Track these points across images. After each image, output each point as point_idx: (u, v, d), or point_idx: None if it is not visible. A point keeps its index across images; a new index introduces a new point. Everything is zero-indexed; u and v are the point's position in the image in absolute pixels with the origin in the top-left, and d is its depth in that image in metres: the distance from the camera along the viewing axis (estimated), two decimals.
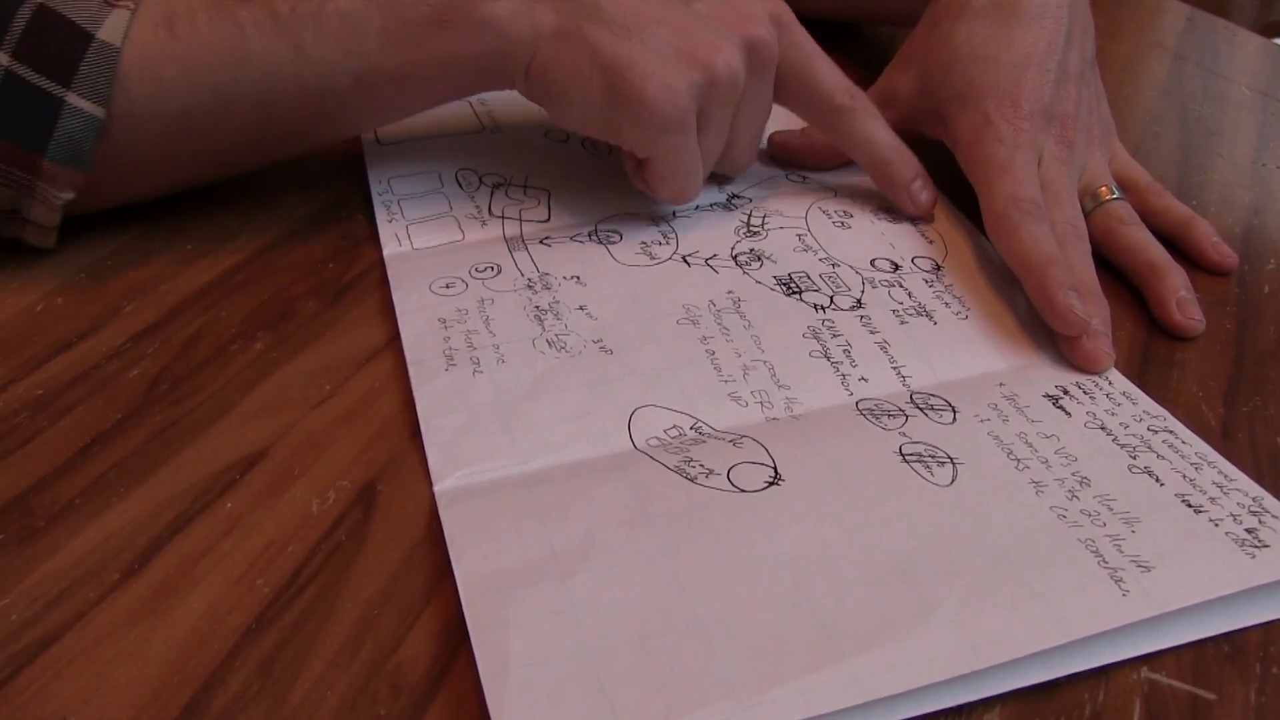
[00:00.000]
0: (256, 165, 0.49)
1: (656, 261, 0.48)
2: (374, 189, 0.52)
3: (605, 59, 0.43)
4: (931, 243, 0.51)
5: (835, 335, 0.44)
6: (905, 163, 0.51)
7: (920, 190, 0.51)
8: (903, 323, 0.45)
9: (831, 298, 0.46)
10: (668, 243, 0.49)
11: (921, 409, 0.41)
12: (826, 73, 0.49)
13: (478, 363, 0.41)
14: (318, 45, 0.43)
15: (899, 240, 0.50)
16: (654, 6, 0.45)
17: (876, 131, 0.50)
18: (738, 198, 0.53)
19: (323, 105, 0.44)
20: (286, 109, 0.44)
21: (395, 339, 0.43)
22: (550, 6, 0.44)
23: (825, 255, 0.49)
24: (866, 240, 0.50)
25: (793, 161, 0.56)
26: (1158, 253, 0.48)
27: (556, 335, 0.43)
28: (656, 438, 0.39)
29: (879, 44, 0.72)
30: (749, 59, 0.46)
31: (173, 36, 0.42)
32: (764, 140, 0.55)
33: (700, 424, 0.40)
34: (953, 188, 0.53)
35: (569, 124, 0.46)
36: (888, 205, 0.53)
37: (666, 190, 0.48)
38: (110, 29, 0.41)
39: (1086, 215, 0.49)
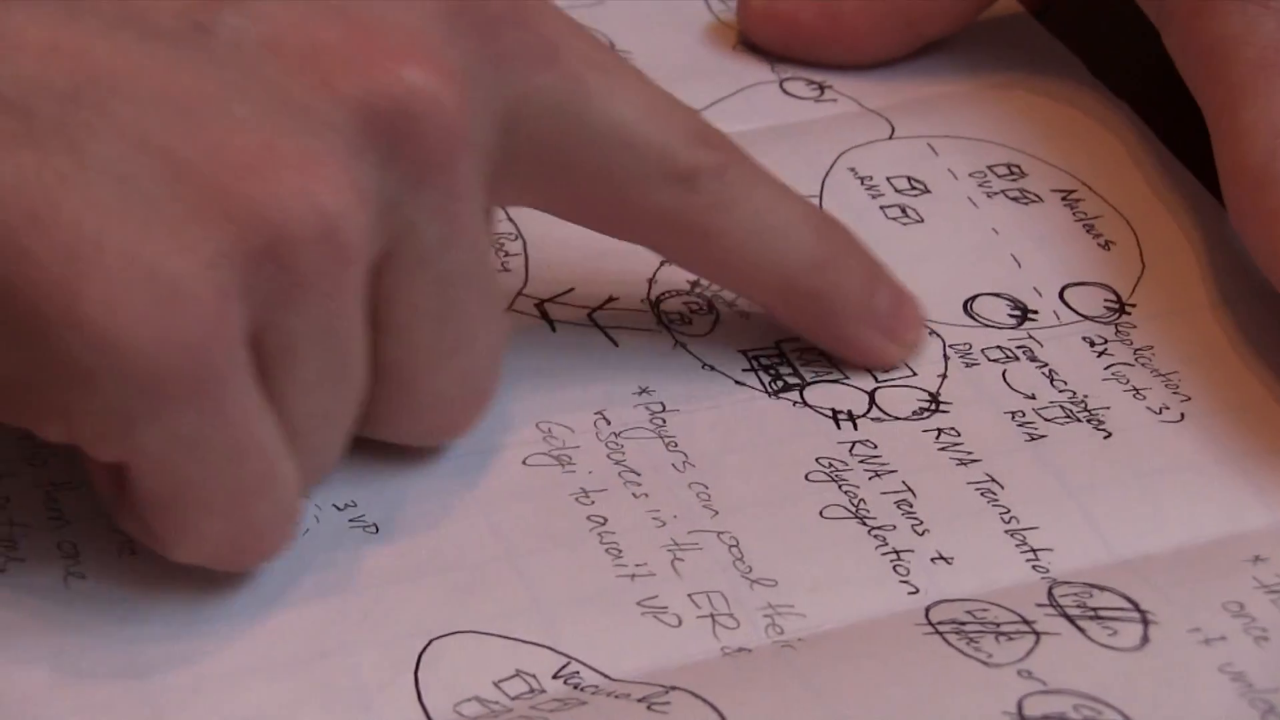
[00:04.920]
0: None
1: None
2: None
3: None
4: (1108, 248, 0.28)
5: (874, 475, 0.23)
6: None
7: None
8: (1031, 439, 0.25)
9: (871, 397, 0.25)
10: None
11: (1071, 618, 0.24)
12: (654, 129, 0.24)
13: None
14: None
15: (1032, 247, 0.28)
16: (145, 57, 0.20)
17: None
18: None
19: None
20: None
21: None
22: None
23: None
24: (960, 251, 0.28)
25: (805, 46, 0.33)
26: None
27: None
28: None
29: None
30: (388, 159, 0.20)
31: None
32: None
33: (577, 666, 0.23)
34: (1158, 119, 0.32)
35: None
36: (1001, 174, 0.30)
37: (185, 553, 0.20)
38: None
39: None
